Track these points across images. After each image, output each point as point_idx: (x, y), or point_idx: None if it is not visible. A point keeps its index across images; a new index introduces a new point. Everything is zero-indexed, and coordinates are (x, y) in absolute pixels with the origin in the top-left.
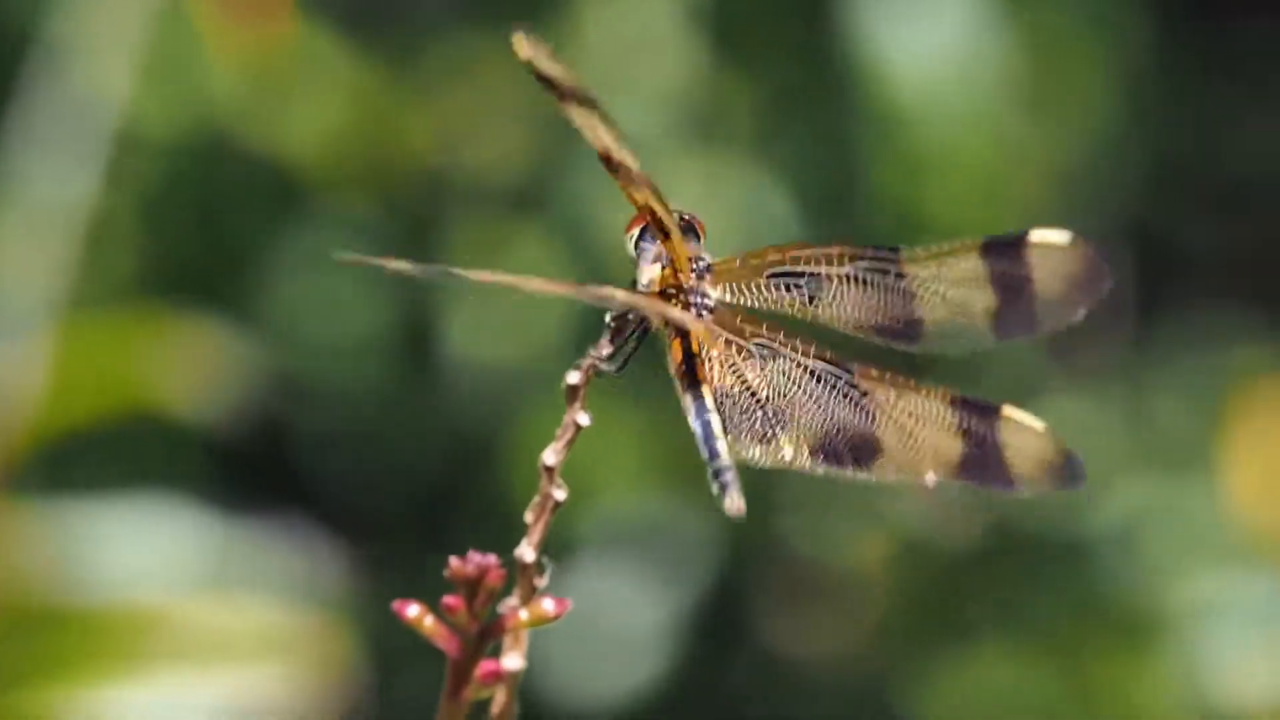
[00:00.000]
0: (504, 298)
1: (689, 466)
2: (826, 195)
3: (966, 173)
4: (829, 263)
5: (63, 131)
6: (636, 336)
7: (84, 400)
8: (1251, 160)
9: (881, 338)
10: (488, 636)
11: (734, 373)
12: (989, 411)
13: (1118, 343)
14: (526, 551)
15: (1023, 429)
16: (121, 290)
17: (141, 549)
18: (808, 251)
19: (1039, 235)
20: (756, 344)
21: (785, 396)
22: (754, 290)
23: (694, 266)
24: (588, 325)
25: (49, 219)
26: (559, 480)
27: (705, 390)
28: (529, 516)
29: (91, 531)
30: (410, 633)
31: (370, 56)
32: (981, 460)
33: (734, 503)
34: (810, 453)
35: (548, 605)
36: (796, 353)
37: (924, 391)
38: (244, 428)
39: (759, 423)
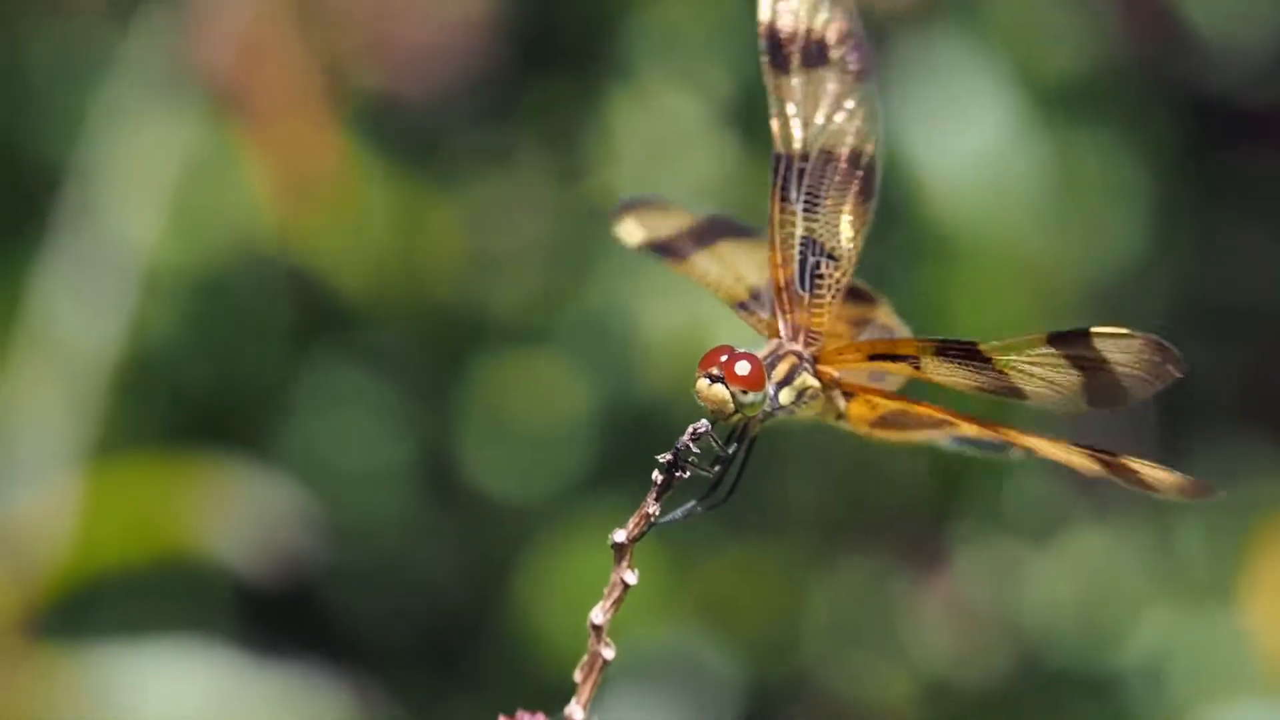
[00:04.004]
0: (523, 430)
1: (714, 600)
2: (860, 278)
3: (996, 276)
4: (787, 226)
5: (91, 271)
6: (742, 461)
7: (111, 544)
8: (1268, 289)
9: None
10: None
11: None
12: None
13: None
14: (576, 711)
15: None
16: (147, 432)
17: (170, 693)
18: (775, 249)
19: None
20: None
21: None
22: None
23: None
24: (606, 458)
25: (76, 361)
26: (607, 639)
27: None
28: (578, 675)
29: (119, 676)
30: None
31: (403, 179)
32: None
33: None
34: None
35: None
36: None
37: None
38: (269, 565)
39: None
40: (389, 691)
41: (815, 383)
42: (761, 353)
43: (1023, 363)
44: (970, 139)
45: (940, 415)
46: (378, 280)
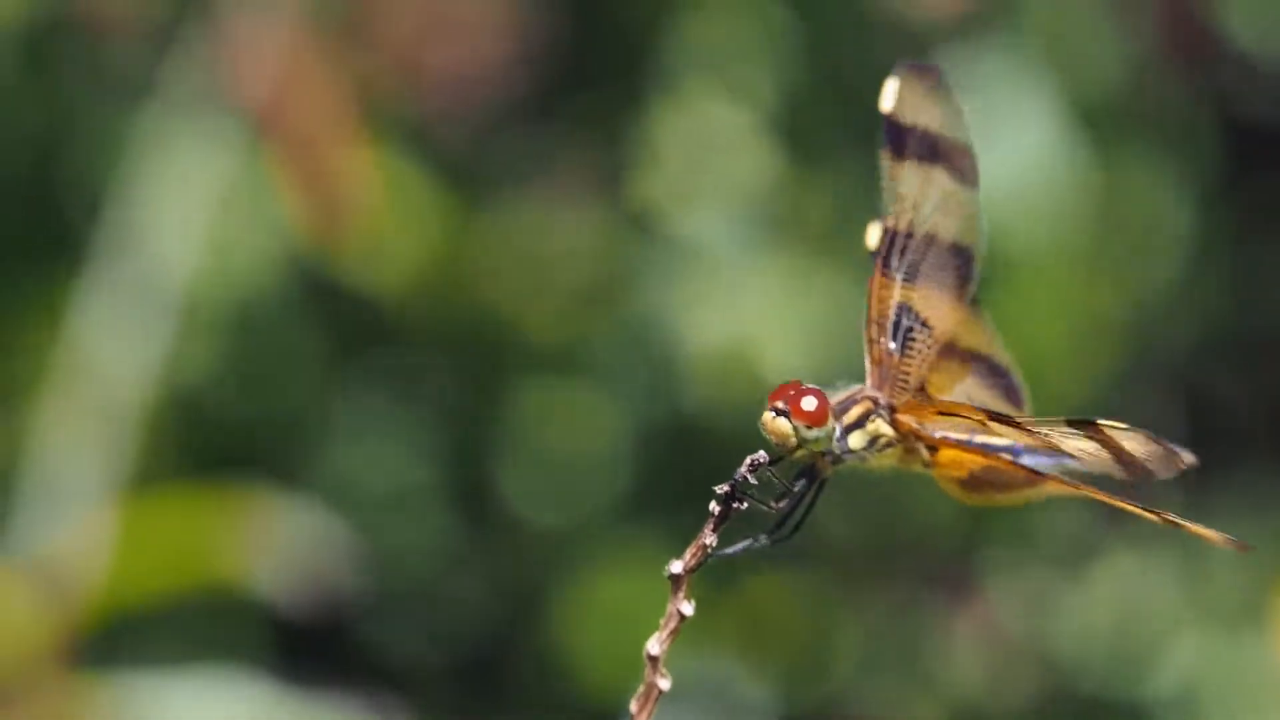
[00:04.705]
0: (559, 454)
1: (746, 626)
2: None
3: (1035, 287)
4: (886, 290)
5: (128, 299)
6: (810, 500)
7: (147, 574)
8: None
9: None
10: None
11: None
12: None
13: (1169, 502)
14: None
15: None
16: (183, 461)
17: None
18: (871, 307)
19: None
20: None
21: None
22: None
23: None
24: (643, 482)
25: (112, 389)
26: (663, 670)
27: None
28: (633, 706)
29: (156, 706)
30: None
31: (442, 197)
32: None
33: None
34: None
35: None
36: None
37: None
38: (305, 594)
39: None
40: (425, 718)
41: (890, 431)
42: (839, 395)
43: (1058, 434)
44: (1012, 151)
45: (1028, 472)
46: (414, 302)
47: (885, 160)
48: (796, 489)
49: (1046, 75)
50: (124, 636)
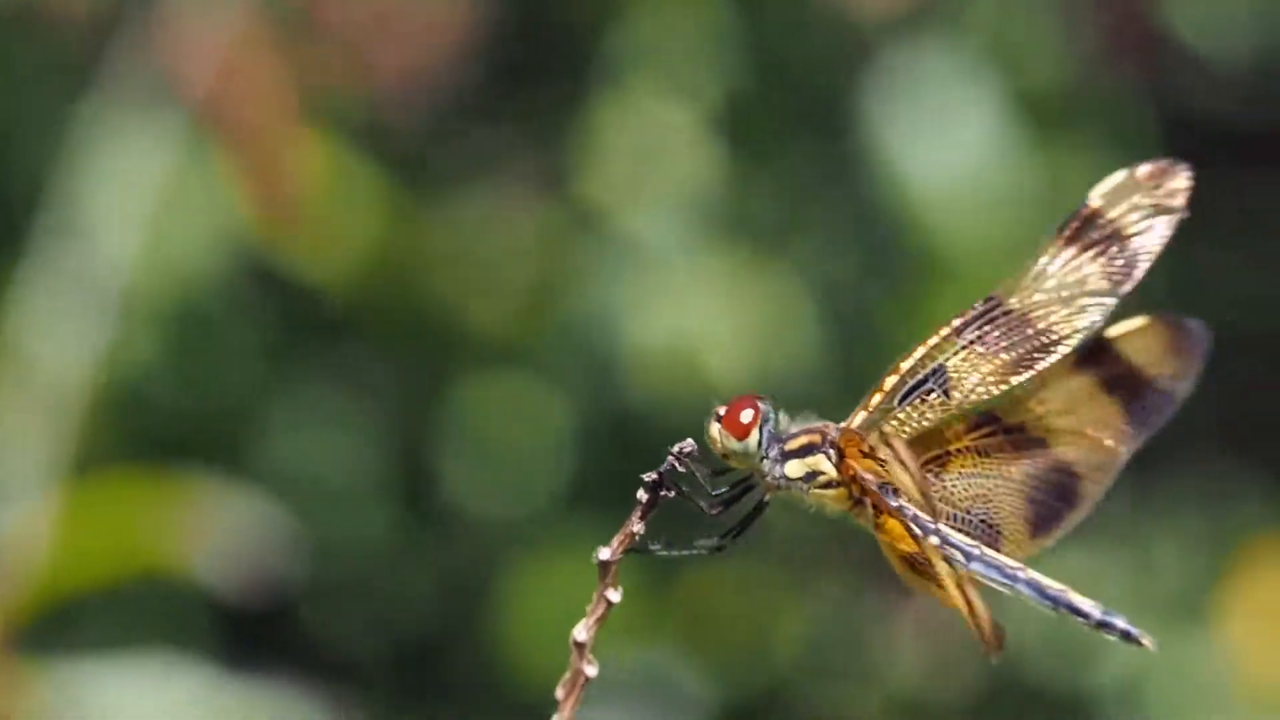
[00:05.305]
0: (501, 449)
1: (690, 619)
2: (845, 291)
3: (978, 288)
4: (940, 349)
5: (69, 290)
6: (745, 509)
7: (89, 562)
8: (1249, 315)
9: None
10: None
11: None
12: (1101, 347)
13: (1117, 497)
14: None
15: (1133, 335)
16: (126, 450)
17: (147, 708)
18: (912, 356)
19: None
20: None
21: (983, 495)
22: (899, 424)
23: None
24: (586, 476)
25: (54, 379)
26: (590, 656)
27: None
28: (559, 692)
29: (97, 692)
30: None
31: (387, 191)
32: (1137, 394)
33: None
34: (1032, 532)
35: None
36: (955, 441)
37: (1050, 374)
38: (246, 582)
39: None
40: (365, 707)
41: (831, 471)
42: (798, 425)
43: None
44: (955, 149)
45: (926, 558)
46: (359, 294)
47: (1054, 239)
48: (715, 489)
49: (989, 71)
50: (65, 623)
